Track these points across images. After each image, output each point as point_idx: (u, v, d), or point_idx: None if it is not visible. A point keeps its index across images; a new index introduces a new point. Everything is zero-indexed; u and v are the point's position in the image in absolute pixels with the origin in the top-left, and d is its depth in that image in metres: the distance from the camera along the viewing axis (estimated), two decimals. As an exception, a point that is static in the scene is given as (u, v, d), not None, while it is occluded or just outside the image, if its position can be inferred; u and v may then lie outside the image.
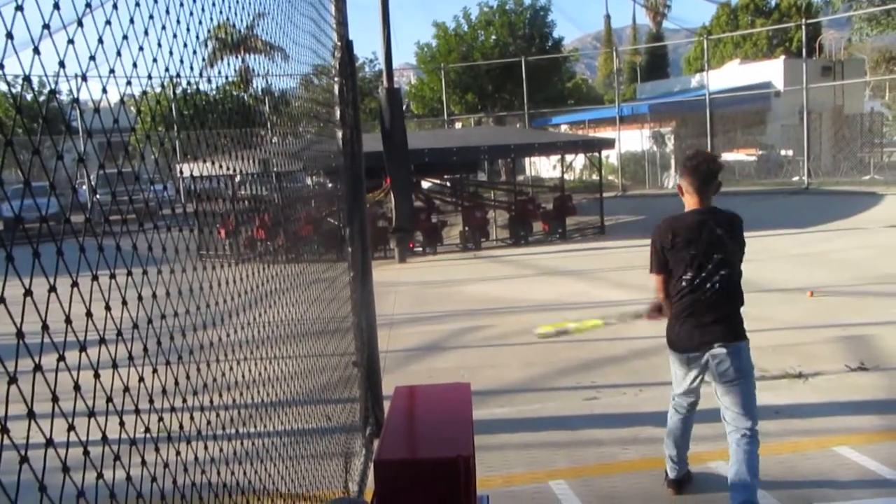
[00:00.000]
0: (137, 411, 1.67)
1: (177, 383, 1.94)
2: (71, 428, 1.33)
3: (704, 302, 3.79)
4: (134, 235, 1.81)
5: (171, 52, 2.03)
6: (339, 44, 4.89)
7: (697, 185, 3.78)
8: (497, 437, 5.08)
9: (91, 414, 1.44)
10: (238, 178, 3.29)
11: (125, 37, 1.70)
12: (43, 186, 1.48)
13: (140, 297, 1.74)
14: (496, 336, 8.23)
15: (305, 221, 5.13)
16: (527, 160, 30.56)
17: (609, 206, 18.57)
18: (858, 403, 5.37)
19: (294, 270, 3.55)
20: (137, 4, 1.78)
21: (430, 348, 7.90)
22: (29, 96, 21.79)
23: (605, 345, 7.41)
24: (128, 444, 1.61)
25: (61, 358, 1.33)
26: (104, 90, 1.64)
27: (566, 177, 20.89)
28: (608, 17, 60.45)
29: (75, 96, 1.66)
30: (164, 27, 1.97)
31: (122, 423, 1.54)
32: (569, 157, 21.71)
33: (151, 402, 1.73)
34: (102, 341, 1.51)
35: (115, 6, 1.67)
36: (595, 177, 20.73)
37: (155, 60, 1.90)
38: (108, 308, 1.54)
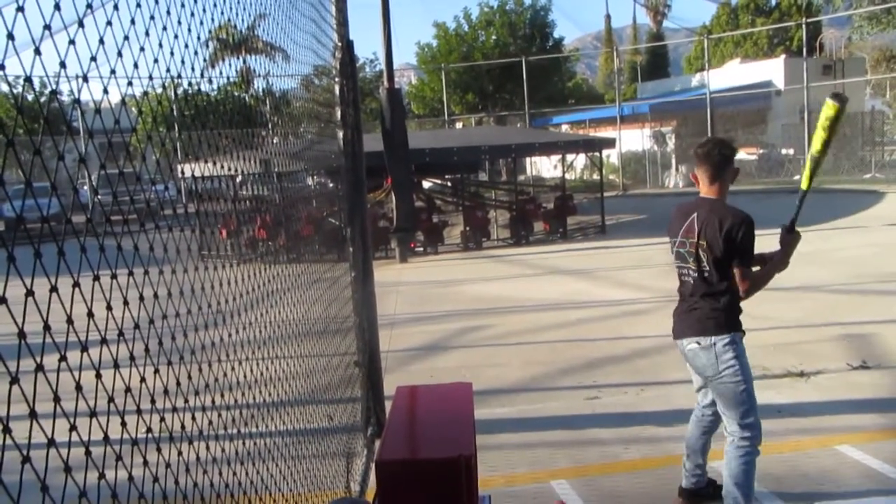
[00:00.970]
0: (139, 411, 1.67)
1: (178, 383, 1.94)
2: (73, 428, 1.33)
3: (681, 291, 3.80)
4: (135, 236, 1.81)
5: (172, 53, 2.03)
6: (339, 44, 4.89)
7: (700, 172, 3.75)
8: (499, 437, 5.08)
9: (93, 414, 1.44)
10: (239, 179, 3.29)
11: (126, 37, 1.70)
12: (44, 187, 1.48)
13: (141, 298, 1.74)
14: (497, 335, 8.23)
15: (307, 222, 5.13)
16: (528, 160, 30.55)
17: (610, 206, 18.57)
18: (860, 402, 5.37)
19: (295, 271, 3.55)
20: (139, 5, 1.78)
21: (432, 348, 7.90)
22: (30, 97, 21.82)
23: (607, 344, 7.41)
24: (130, 445, 1.61)
25: (63, 358, 1.33)
26: (105, 91, 1.64)
27: (567, 176, 20.87)
28: (608, 16, 60.35)
29: (76, 97, 1.66)
30: (164, 28, 1.97)
31: (123, 424, 1.54)
32: (570, 157, 21.70)
33: (153, 402, 1.73)
34: (104, 341, 1.51)
35: (115, 7, 1.67)
36: (596, 176, 20.72)
37: (156, 61, 1.91)
38: (109, 308, 1.54)
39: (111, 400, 1.52)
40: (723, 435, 3.71)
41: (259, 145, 3.26)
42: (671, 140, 29.21)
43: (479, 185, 21.35)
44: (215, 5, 2.44)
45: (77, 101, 1.67)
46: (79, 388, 1.39)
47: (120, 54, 1.67)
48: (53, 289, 1.32)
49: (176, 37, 2.06)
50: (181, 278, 2.03)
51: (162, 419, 1.79)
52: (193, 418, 2.05)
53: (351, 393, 4.68)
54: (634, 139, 28.75)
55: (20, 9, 1.31)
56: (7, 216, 19.97)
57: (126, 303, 1.64)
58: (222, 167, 2.61)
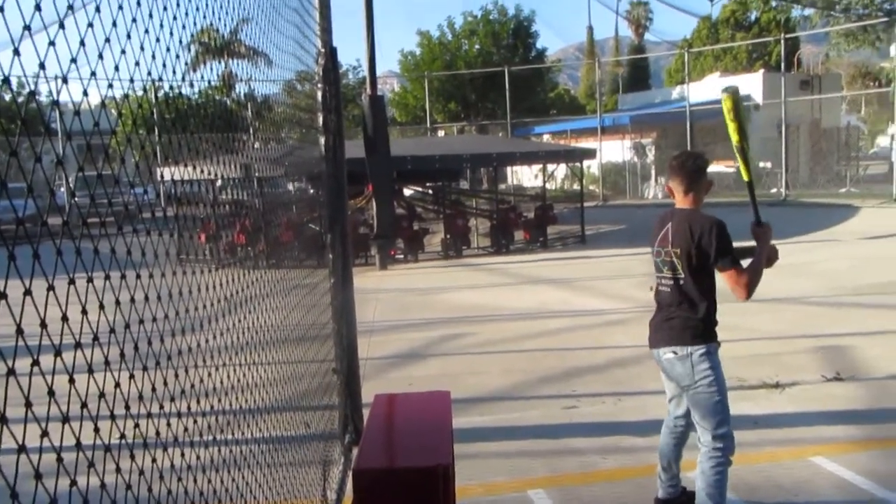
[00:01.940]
0: (113, 417, 1.64)
1: (153, 389, 1.92)
2: (44, 434, 1.31)
3: (658, 301, 3.82)
4: (112, 239, 1.79)
5: (153, 56, 2.01)
6: (323, 50, 4.88)
7: (674, 184, 3.80)
8: (477, 446, 5.07)
9: (65, 419, 1.42)
10: (219, 183, 3.27)
11: (107, 39, 1.68)
12: (20, 188, 1.46)
13: (117, 302, 1.72)
14: (477, 344, 8.23)
15: (286, 227, 5.11)
16: (509, 169, 30.66)
17: (590, 216, 18.66)
18: (834, 413, 5.42)
19: (274, 276, 3.53)
20: (120, 7, 1.76)
21: (411, 356, 7.88)
22: (7, 97, 21.55)
23: (586, 353, 7.44)
24: (102, 451, 1.58)
25: (35, 363, 1.31)
26: (85, 92, 1.63)
27: (548, 186, 20.98)
28: (591, 28, 60.81)
29: (55, 98, 1.64)
30: (146, 30, 1.96)
31: (96, 429, 1.52)
32: (550, 167, 21.81)
33: (127, 407, 1.70)
34: (78, 346, 1.49)
35: (97, 8, 1.65)
36: (576, 186, 20.82)
37: (137, 63, 1.89)
38: (84, 312, 1.52)
39: (84, 405, 1.50)
40: (696, 445, 3.73)
41: (240, 150, 3.24)
42: (651, 151, 29.46)
43: (461, 193, 21.37)
44: (198, 9, 2.43)
45: (56, 103, 1.65)
46: (51, 392, 1.37)
47: (101, 56, 1.65)
48: (27, 292, 1.30)
49: (158, 40, 2.04)
50: (158, 282, 2.01)
51: (136, 425, 1.77)
52: (168, 424, 2.03)
53: (328, 400, 4.66)
54: (615, 150, 28.96)
55: (0, 9, 1.29)
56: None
57: (102, 306, 1.62)
58: (202, 171, 2.60)
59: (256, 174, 3.52)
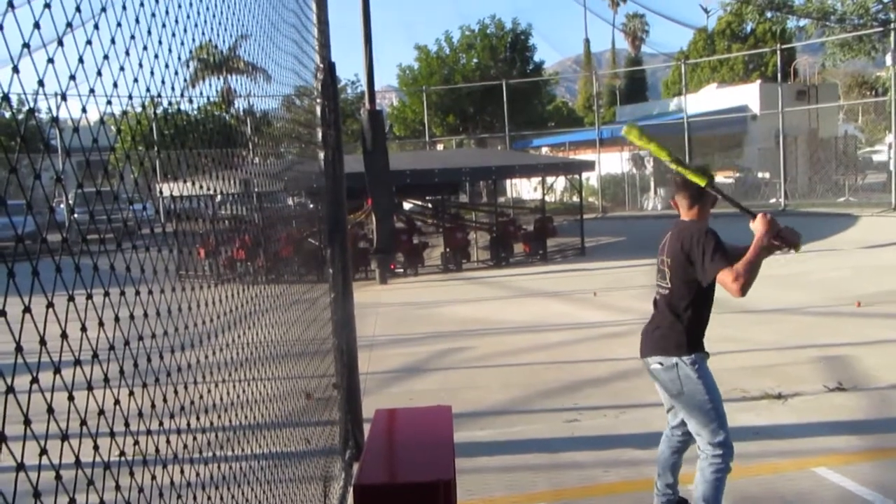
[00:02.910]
0: (112, 434, 1.64)
1: (153, 406, 1.92)
2: (43, 452, 1.30)
3: (654, 309, 3.86)
4: (112, 255, 1.79)
5: (152, 72, 2.02)
6: (321, 66, 4.90)
7: (679, 198, 3.81)
8: (477, 460, 5.05)
9: (64, 437, 1.41)
10: (219, 198, 3.27)
11: (106, 56, 1.69)
12: (19, 205, 1.46)
13: (117, 318, 1.72)
14: (477, 357, 8.21)
15: (286, 242, 5.11)
16: (508, 182, 30.71)
17: (589, 228, 18.68)
18: (837, 424, 5.40)
19: (274, 291, 3.52)
20: (119, 24, 1.77)
21: (411, 370, 7.86)
22: (7, 114, 21.62)
23: (587, 366, 7.42)
24: (102, 468, 1.58)
25: (35, 380, 1.31)
26: (84, 109, 1.63)
27: (547, 199, 21.00)
28: (587, 41, 61.25)
29: (55, 115, 1.64)
30: (145, 47, 1.96)
31: (96, 447, 1.52)
32: (549, 179, 21.85)
33: (127, 424, 1.70)
34: (77, 363, 1.49)
35: (96, 26, 1.66)
36: (575, 199, 20.86)
37: (136, 80, 1.90)
38: (83, 329, 1.52)
39: (83, 422, 1.49)
40: (695, 457, 3.72)
41: (239, 165, 3.24)
42: (650, 163, 29.51)
43: (460, 206, 21.40)
44: (196, 25, 2.44)
45: (55, 120, 1.66)
46: (50, 410, 1.36)
47: (100, 73, 1.66)
48: (27, 309, 1.30)
49: (156, 56, 2.05)
50: (158, 299, 2.01)
51: (136, 442, 1.76)
52: (168, 441, 2.02)
53: (329, 415, 4.64)
54: (613, 162, 29.02)
55: (-1, 27, 1.30)
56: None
57: (101, 323, 1.62)
58: (201, 187, 2.60)
59: (256, 189, 3.53)
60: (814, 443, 5.09)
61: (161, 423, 1.95)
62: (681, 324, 3.66)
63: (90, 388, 1.54)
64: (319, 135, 4.87)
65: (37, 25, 1.41)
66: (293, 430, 3.67)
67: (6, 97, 1.31)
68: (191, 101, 2.66)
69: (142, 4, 1.93)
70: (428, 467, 3.02)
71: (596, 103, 30.90)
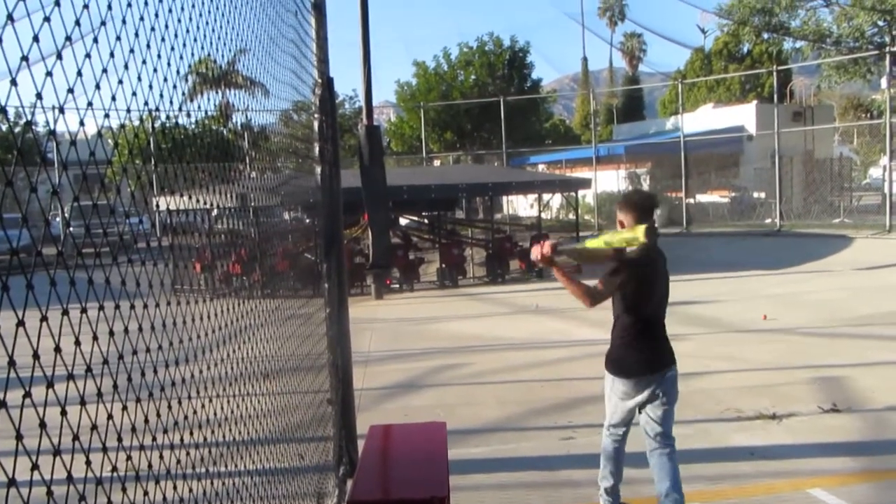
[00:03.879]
0: (105, 449, 1.62)
1: (146, 421, 1.90)
2: (34, 467, 1.29)
3: (651, 322, 4.23)
4: (107, 269, 1.78)
5: (150, 86, 2.02)
6: (319, 81, 4.92)
7: (622, 218, 4.11)
8: (473, 478, 5.01)
9: (56, 452, 1.40)
10: (215, 213, 3.27)
11: (104, 70, 1.69)
12: (15, 218, 1.46)
13: (111, 332, 1.71)
14: (473, 374, 8.18)
15: (282, 257, 5.10)
16: (504, 198, 30.76)
17: (585, 246, 18.65)
18: (832, 445, 5.39)
19: (270, 306, 3.51)
20: (118, 38, 1.78)
21: (406, 386, 7.83)
22: (4, 127, 21.63)
23: (583, 383, 7.39)
24: (94, 484, 1.56)
25: (27, 394, 1.30)
26: (81, 123, 1.63)
27: (543, 215, 21.03)
28: (585, 59, 61.65)
29: (52, 128, 1.64)
30: (144, 61, 1.97)
31: (88, 462, 1.50)
32: (546, 196, 21.89)
33: (120, 440, 1.69)
34: (71, 377, 1.48)
35: (95, 39, 1.66)
36: (572, 216, 20.90)
37: (134, 94, 1.90)
38: (77, 343, 1.51)
39: (76, 437, 1.48)
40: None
41: (236, 179, 3.24)
42: (646, 181, 29.60)
43: (456, 222, 21.41)
44: (196, 40, 2.45)
45: (52, 133, 1.65)
46: (43, 425, 1.35)
47: (98, 87, 1.66)
48: (20, 322, 1.29)
49: (155, 70, 2.06)
50: (153, 313, 2.00)
51: (128, 458, 1.75)
52: (161, 457, 2.00)
53: (323, 431, 4.61)
54: (610, 180, 29.11)
55: (-2, 40, 1.30)
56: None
57: (95, 337, 1.61)
58: (198, 201, 2.60)
59: (252, 204, 3.53)
60: (809, 464, 5.07)
61: (154, 439, 1.94)
62: (616, 341, 4.25)
63: (83, 402, 1.52)
64: (317, 150, 4.87)
65: (36, 39, 1.41)
66: (287, 445, 3.65)
67: (3, 110, 1.31)
68: (189, 115, 2.66)
69: (141, 19, 1.94)
70: (422, 484, 3.00)
71: (593, 121, 31.04)
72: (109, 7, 1.75)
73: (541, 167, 33.54)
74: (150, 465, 1.90)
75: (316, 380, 4.55)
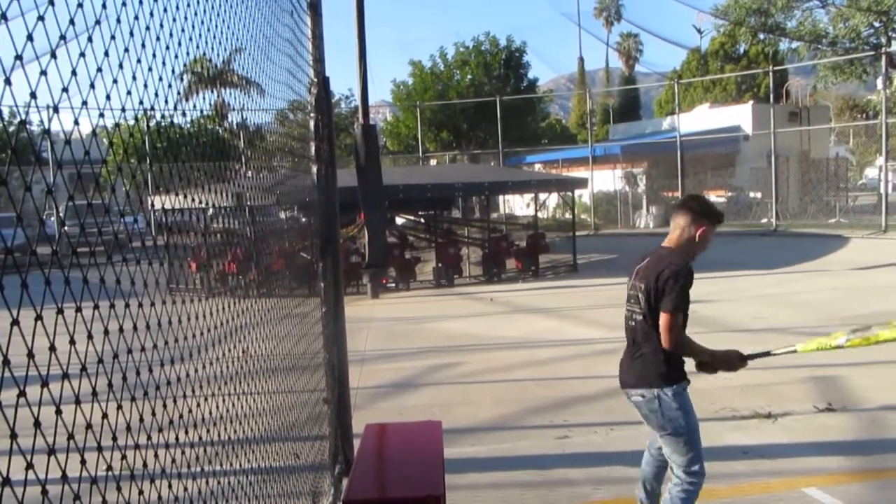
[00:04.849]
0: (100, 448, 1.62)
1: (141, 420, 1.90)
2: (29, 466, 1.29)
3: (628, 336, 3.85)
4: (102, 268, 1.78)
5: (145, 85, 2.02)
6: (315, 80, 4.92)
7: (674, 221, 3.79)
8: (468, 477, 5.02)
9: (51, 451, 1.40)
10: (210, 212, 3.27)
11: (99, 69, 1.69)
12: (9, 217, 1.45)
13: (106, 331, 1.71)
14: (468, 373, 8.19)
15: (278, 256, 5.10)
16: (501, 198, 30.80)
17: (581, 245, 18.70)
18: (827, 444, 5.41)
19: (265, 305, 3.51)
20: (112, 37, 1.77)
21: (402, 385, 7.83)
22: (-1, 126, 21.54)
23: (578, 383, 7.41)
24: (89, 483, 1.56)
25: (22, 393, 1.30)
26: (76, 122, 1.63)
27: (539, 215, 21.05)
28: (582, 59, 61.60)
29: (46, 127, 1.64)
30: (139, 60, 1.97)
31: (83, 461, 1.50)
32: (542, 196, 21.90)
33: (115, 438, 1.69)
34: (65, 376, 1.48)
35: (89, 38, 1.66)
36: (568, 215, 20.90)
37: (129, 93, 1.90)
38: (72, 342, 1.51)
39: (71, 436, 1.48)
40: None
41: (232, 178, 3.24)
42: (642, 181, 29.65)
43: (452, 222, 21.41)
44: (191, 39, 2.45)
45: (47, 132, 1.65)
46: (37, 424, 1.35)
47: (92, 86, 1.66)
48: (14, 321, 1.29)
49: (150, 69, 2.06)
50: (148, 312, 2.00)
51: (123, 457, 1.75)
52: (156, 456, 2.00)
53: (319, 430, 4.61)
54: (606, 179, 29.16)
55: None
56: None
57: (90, 336, 1.61)
58: (193, 200, 2.60)
59: (248, 203, 3.52)
60: (804, 463, 5.09)
61: (149, 437, 1.94)
62: (662, 352, 3.60)
63: (78, 401, 1.53)
64: (313, 149, 4.87)
65: (30, 38, 1.41)
66: (282, 444, 3.65)
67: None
68: (184, 114, 2.66)
69: (136, 18, 1.94)
70: (418, 482, 3.00)
71: (589, 121, 31.12)
72: (104, 6, 1.75)
73: (537, 167, 33.57)
74: (145, 464, 1.90)
75: (312, 379, 4.55)
